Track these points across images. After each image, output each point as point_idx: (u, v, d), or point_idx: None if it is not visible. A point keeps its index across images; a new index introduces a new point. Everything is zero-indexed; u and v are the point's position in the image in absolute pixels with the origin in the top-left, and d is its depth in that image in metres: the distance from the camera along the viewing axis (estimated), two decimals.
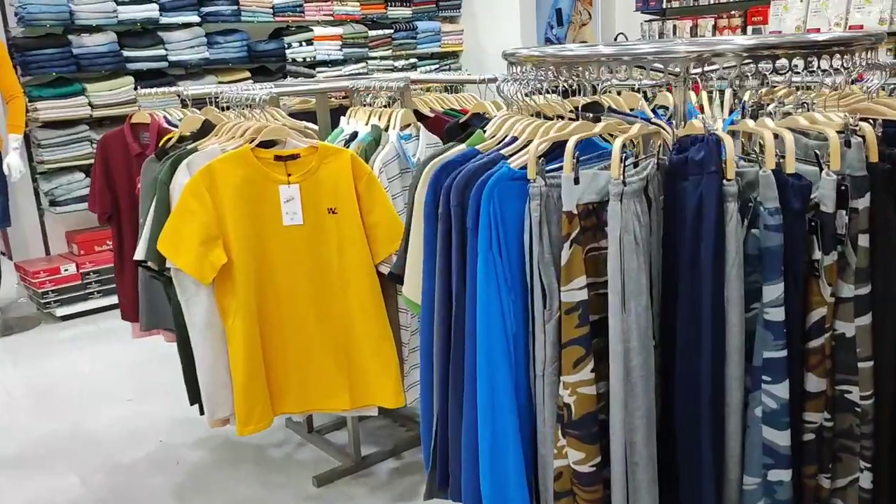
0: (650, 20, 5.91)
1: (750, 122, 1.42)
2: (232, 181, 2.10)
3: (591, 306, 1.45)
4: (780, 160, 1.31)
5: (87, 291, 4.75)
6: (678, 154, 1.45)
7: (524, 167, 1.48)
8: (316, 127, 2.61)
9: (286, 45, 5.41)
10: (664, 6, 5.81)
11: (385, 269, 2.20)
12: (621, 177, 1.37)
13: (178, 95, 2.87)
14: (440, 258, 1.60)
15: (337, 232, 2.17)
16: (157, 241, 2.10)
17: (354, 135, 2.39)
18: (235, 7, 5.15)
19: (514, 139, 1.62)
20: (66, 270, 4.67)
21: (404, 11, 6.01)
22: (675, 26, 5.69)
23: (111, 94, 4.75)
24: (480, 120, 2.61)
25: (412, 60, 6.12)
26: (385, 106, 2.59)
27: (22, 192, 4.81)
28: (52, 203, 4.73)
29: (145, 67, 4.86)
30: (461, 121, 2.64)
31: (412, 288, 1.74)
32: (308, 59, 5.54)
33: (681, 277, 1.41)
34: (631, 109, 2.05)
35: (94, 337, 4.40)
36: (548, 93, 1.75)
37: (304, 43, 5.49)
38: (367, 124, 2.45)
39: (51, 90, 4.59)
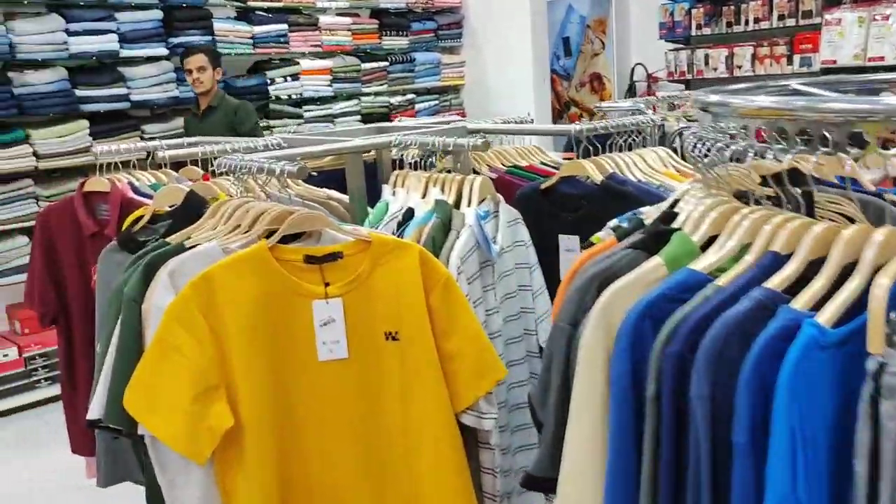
0: (675, 49, 5.32)
1: None
2: (241, 298, 1.35)
3: None
4: None
5: (32, 380, 3.91)
6: None
7: (840, 324, 0.77)
8: (345, 198, 1.88)
9: (268, 81, 4.68)
10: (690, 33, 5.22)
11: (470, 420, 1.46)
12: None
13: (149, 154, 2.13)
14: (664, 484, 0.87)
15: (400, 368, 1.43)
16: (122, 395, 1.34)
17: (409, 214, 1.66)
18: (209, 38, 4.42)
19: (776, 258, 0.91)
20: (5, 356, 3.84)
21: (400, 42, 5.33)
22: (706, 55, 5.09)
23: (61, 141, 3.96)
24: (575, 186, 1.90)
25: (409, 96, 5.43)
26: (420, 164, 1.90)
27: None
28: None
29: (102, 109, 4.08)
30: (544, 186, 1.94)
31: None
32: (294, 97, 4.82)
33: None
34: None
35: (40, 442, 3.56)
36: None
37: (289, 78, 4.77)
38: (423, 197, 1.72)
39: None
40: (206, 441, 1.32)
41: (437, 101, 5.60)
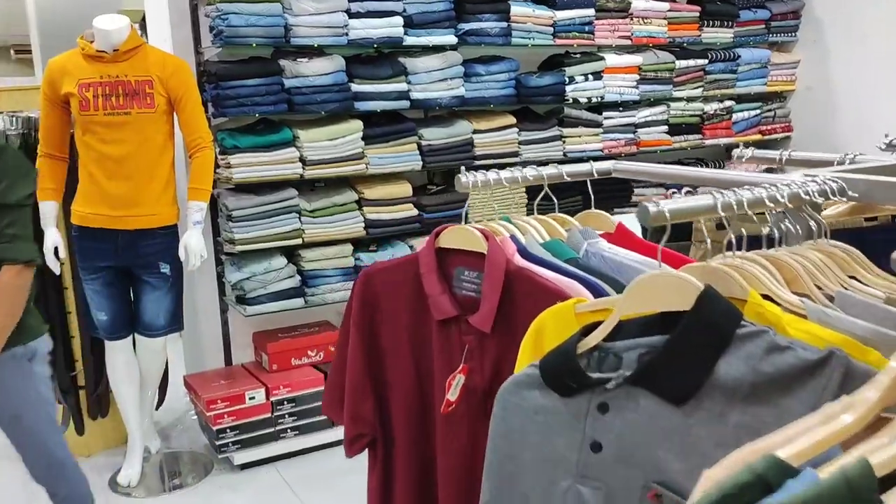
0: None
1: None
2: None
3: None
4: None
5: (278, 429, 3.26)
6: None
7: None
8: None
9: (567, 80, 3.77)
10: None
11: None
12: None
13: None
14: None
15: None
16: None
17: None
18: (505, 24, 3.58)
19: None
20: (251, 399, 3.21)
21: (724, 35, 4.22)
22: None
23: (332, 145, 3.27)
24: None
25: (727, 103, 4.31)
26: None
27: (200, 281, 3.43)
28: (241, 300, 3.29)
29: (379, 108, 3.36)
30: None
31: None
32: (594, 100, 3.88)
33: None
34: None
35: None
36: None
37: (590, 76, 3.83)
38: None
39: (251, 138, 3.17)
40: None
41: (758, 111, 4.43)
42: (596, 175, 1.34)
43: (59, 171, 2.97)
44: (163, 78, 2.85)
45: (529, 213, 1.34)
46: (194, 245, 2.91)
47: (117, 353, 3.10)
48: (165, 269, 2.99)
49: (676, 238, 1.51)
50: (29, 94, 3.29)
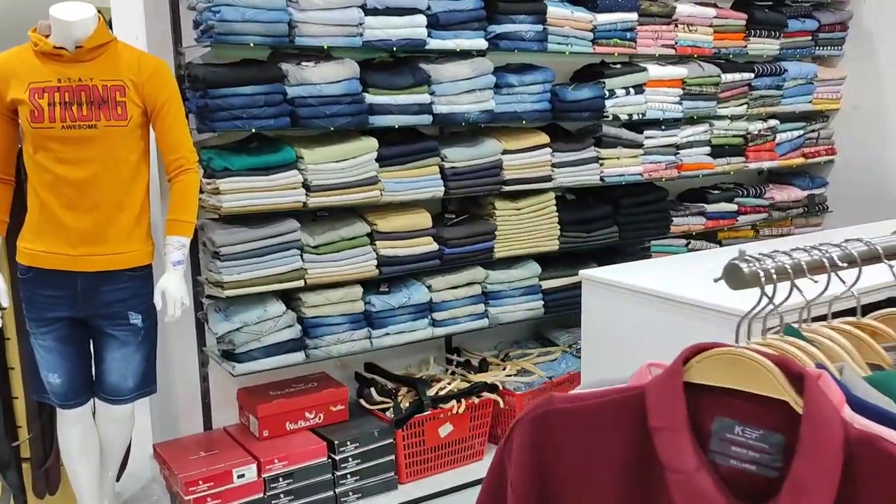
0: None
1: None
2: None
3: None
4: None
5: None
6: None
7: None
8: None
9: (607, 94, 3.27)
10: None
11: None
12: None
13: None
14: None
15: None
16: None
17: None
18: (540, 28, 3.06)
19: None
20: (240, 477, 2.61)
21: (770, 46, 3.78)
22: None
23: (339, 168, 2.70)
24: None
25: (771, 122, 3.86)
26: None
27: (177, 332, 2.82)
28: (228, 355, 2.69)
29: (397, 123, 2.80)
30: None
31: None
32: (635, 117, 3.38)
33: None
34: None
35: None
36: None
37: (632, 90, 3.33)
38: None
39: (244, 158, 2.58)
40: None
41: (801, 132, 4.00)
42: None
43: (3, 198, 2.35)
44: (138, 83, 2.26)
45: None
46: (173, 291, 2.33)
47: (72, 424, 2.48)
48: (136, 319, 2.40)
49: None
50: None
